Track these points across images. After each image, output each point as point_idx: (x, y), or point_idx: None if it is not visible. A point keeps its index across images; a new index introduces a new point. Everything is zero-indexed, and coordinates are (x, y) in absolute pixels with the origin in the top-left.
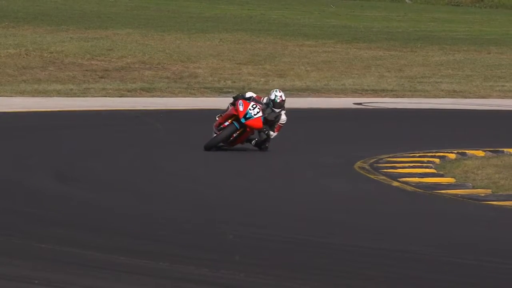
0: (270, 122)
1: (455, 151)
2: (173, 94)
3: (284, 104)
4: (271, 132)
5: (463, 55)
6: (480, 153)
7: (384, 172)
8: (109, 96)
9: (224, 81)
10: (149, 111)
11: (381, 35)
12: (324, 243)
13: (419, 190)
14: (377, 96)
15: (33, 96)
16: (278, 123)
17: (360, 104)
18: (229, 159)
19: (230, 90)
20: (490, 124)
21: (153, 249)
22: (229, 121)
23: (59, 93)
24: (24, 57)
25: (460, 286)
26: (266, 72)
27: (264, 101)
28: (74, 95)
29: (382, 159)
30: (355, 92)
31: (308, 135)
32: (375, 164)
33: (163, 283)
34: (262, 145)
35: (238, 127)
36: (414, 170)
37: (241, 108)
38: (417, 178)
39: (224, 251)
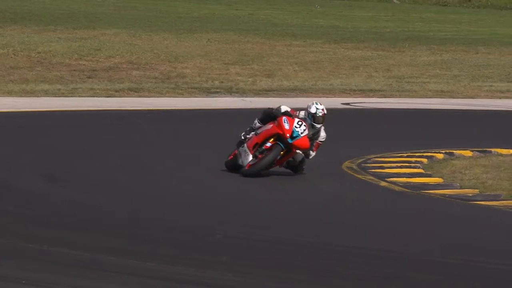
0: None
1: (443, 151)
2: (161, 94)
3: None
4: (311, 152)
5: (451, 55)
6: (467, 153)
7: (371, 172)
8: (96, 96)
9: (212, 81)
10: (137, 111)
11: (369, 35)
12: (312, 243)
13: (407, 190)
14: (365, 96)
15: (20, 96)
16: (317, 141)
17: (348, 104)
18: (218, 160)
19: (218, 90)
20: (477, 124)
21: (141, 249)
22: (271, 141)
23: (46, 93)
24: (11, 57)
25: (448, 286)
26: (254, 72)
27: (301, 115)
28: (62, 95)
29: (370, 159)
30: (343, 92)
31: None
32: (363, 164)
33: (151, 283)
34: (298, 167)
35: (284, 148)
36: (401, 170)
37: (287, 126)
38: (404, 178)
39: (212, 251)
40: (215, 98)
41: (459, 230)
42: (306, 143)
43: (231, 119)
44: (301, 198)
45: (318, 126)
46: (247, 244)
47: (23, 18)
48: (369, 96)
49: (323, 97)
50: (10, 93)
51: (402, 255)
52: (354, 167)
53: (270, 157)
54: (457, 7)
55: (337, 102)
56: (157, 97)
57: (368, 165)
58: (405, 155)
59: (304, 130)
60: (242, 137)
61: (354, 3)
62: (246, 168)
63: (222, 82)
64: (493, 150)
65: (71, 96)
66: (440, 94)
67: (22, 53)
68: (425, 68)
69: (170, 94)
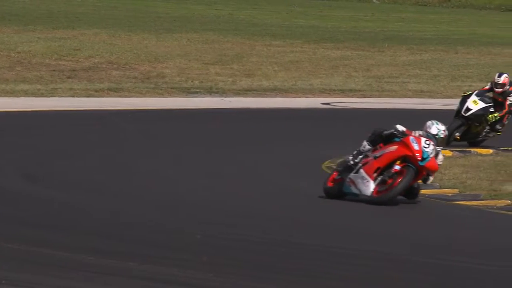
0: None
1: None
2: (140, 94)
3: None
4: (430, 177)
5: (431, 55)
6: (447, 153)
7: None
8: (76, 96)
9: (192, 81)
10: (117, 111)
11: (349, 35)
12: (292, 243)
13: None
14: (345, 96)
15: (0, 96)
16: None
17: (328, 104)
18: (198, 159)
19: (197, 90)
20: None
21: (122, 249)
22: (398, 163)
23: (26, 93)
24: None
25: (428, 286)
26: (233, 72)
27: (418, 136)
28: (42, 95)
29: None
30: (322, 92)
31: (276, 135)
32: None
33: (132, 283)
34: (415, 192)
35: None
36: None
37: (416, 147)
38: None
39: (193, 251)
40: (194, 98)
41: (438, 230)
42: (436, 165)
43: (211, 119)
44: (280, 197)
45: (438, 148)
46: (228, 244)
47: (2, 18)
48: (348, 96)
49: (303, 97)
50: None
51: (383, 255)
52: (334, 166)
53: (405, 181)
54: (437, 7)
55: (317, 102)
56: (137, 97)
57: None
58: None
59: (432, 150)
60: (351, 162)
61: (334, 3)
62: (374, 195)
63: (202, 82)
64: (472, 150)
65: (51, 96)
66: (420, 94)
67: (1, 53)
68: (405, 68)
69: (150, 94)
